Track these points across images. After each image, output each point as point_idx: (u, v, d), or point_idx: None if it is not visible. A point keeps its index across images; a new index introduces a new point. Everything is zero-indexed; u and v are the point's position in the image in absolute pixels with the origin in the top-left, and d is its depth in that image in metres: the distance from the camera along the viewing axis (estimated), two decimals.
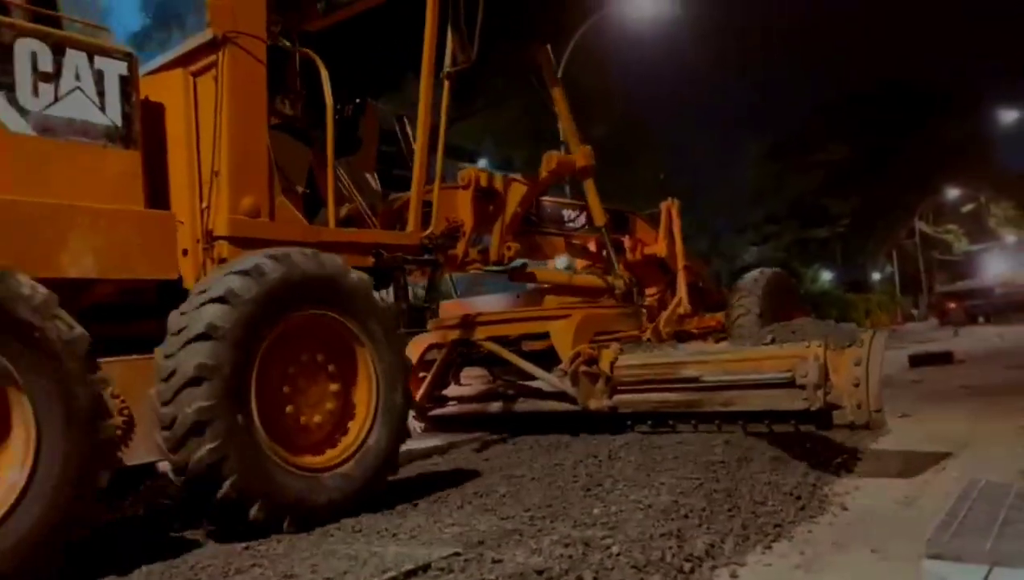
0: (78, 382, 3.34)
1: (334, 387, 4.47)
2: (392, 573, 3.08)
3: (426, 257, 5.68)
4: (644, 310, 7.96)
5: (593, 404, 6.19)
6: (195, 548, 3.78)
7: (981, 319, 27.81)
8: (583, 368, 6.23)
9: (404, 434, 4.69)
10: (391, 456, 4.56)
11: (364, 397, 4.52)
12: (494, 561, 3.17)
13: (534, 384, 6.87)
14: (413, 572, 3.10)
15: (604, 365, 6.18)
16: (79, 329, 3.40)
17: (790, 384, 5.18)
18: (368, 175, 6.11)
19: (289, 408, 4.28)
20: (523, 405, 6.96)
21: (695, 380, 5.74)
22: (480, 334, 7.08)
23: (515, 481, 4.88)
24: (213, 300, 3.94)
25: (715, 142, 40.63)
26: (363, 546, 3.59)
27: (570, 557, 3.17)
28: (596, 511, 3.88)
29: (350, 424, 4.50)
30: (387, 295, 5.22)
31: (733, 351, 5.99)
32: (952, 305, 30.06)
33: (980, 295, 29.23)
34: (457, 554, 3.27)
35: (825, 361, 5.06)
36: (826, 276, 47.48)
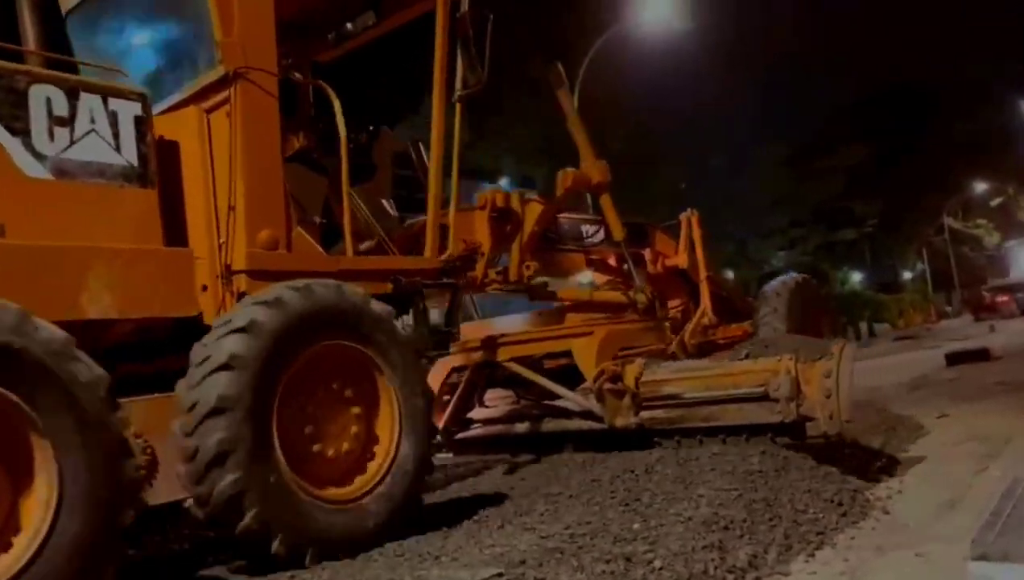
0: (99, 423, 3.30)
1: (356, 415, 4.46)
2: None
3: (444, 281, 5.66)
4: (668, 323, 7.81)
5: (620, 422, 5.99)
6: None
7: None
8: (608, 385, 6.03)
9: (429, 460, 4.71)
10: (418, 481, 4.57)
11: (387, 425, 4.52)
12: None
13: (560, 403, 6.75)
14: None
15: (629, 381, 5.98)
16: (99, 370, 3.38)
17: (764, 398, 5.26)
18: (384, 201, 6.11)
19: (316, 446, 4.27)
20: (550, 425, 6.88)
21: (677, 397, 5.76)
22: (503, 355, 6.91)
23: (553, 499, 4.88)
24: (234, 330, 3.96)
25: (733, 148, 40.36)
26: (406, 570, 3.61)
27: (612, 573, 3.17)
28: (636, 526, 3.87)
29: (375, 452, 4.49)
30: (408, 321, 5.22)
31: (712, 367, 5.97)
32: (1004, 298, 30.23)
33: (1019, 288, 29.43)
34: (500, 575, 3.27)
35: (797, 374, 5.14)
36: (856, 277, 46.98)
